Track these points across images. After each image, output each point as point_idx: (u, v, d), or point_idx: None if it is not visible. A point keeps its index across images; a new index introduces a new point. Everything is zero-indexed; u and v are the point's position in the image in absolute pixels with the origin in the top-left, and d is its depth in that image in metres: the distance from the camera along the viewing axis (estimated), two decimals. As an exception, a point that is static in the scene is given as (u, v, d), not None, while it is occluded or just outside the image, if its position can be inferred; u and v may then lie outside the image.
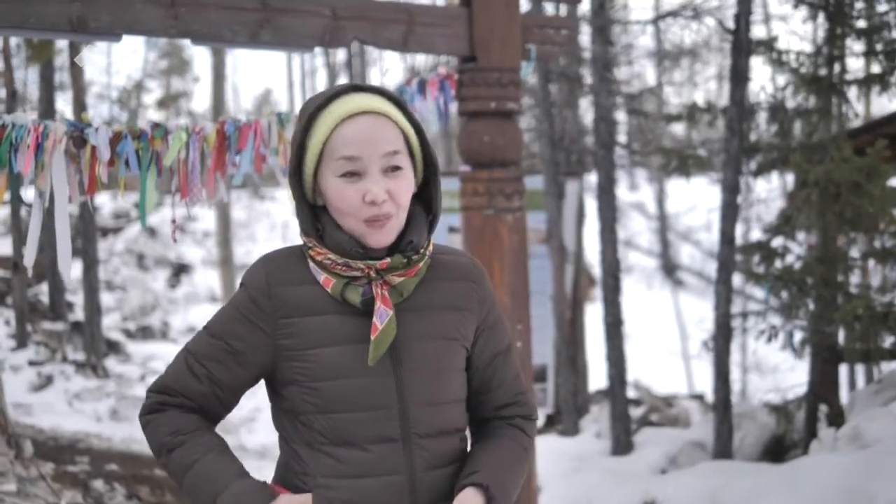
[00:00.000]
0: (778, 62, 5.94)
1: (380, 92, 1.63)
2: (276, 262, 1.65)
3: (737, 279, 6.62)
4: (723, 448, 5.95)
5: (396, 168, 1.59)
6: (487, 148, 3.70)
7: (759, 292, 8.82)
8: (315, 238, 1.62)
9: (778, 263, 5.86)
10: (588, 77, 9.13)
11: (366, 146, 1.57)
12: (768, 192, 11.61)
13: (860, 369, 8.23)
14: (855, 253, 5.85)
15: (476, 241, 3.74)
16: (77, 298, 13.59)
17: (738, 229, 6.63)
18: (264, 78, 56.69)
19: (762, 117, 6.33)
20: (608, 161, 7.10)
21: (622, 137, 10.90)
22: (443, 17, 3.74)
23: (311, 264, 1.63)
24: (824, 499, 3.97)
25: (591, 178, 10.90)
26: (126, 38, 3.03)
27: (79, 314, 12.77)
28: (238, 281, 1.69)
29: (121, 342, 13.87)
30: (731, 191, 6.04)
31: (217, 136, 3.13)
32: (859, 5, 5.77)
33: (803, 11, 5.98)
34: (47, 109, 10.70)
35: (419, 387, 1.62)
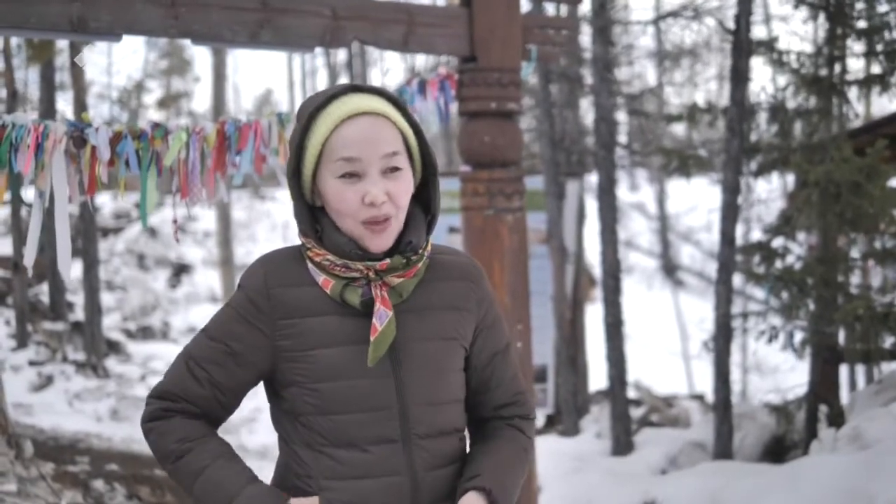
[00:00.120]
0: (778, 62, 5.94)
1: (379, 92, 1.62)
2: (275, 264, 1.65)
3: (737, 279, 6.62)
4: (723, 448, 5.95)
5: (396, 169, 1.59)
6: (488, 148, 3.70)
7: (759, 293, 8.82)
8: (314, 239, 1.61)
9: (778, 264, 5.86)
10: (588, 77, 9.13)
11: (365, 147, 1.56)
12: (769, 192, 11.61)
13: (860, 370, 8.23)
14: (855, 253, 5.86)
15: (476, 241, 3.74)
16: (77, 298, 13.59)
17: (739, 230, 6.63)
18: (265, 78, 56.79)
19: (762, 118, 6.33)
20: (609, 161, 7.10)
21: (623, 138, 10.90)
22: (443, 17, 3.74)
23: (310, 265, 1.63)
24: (824, 499, 3.97)
25: (592, 179, 10.90)
26: (126, 39, 3.03)
27: (79, 314, 12.77)
28: (238, 280, 1.68)
29: (121, 342, 13.88)
30: (731, 191, 6.04)
31: (217, 136, 3.13)
32: (860, 6, 5.77)
33: (804, 12, 5.98)
34: (48, 109, 10.70)
35: (419, 387, 1.62)
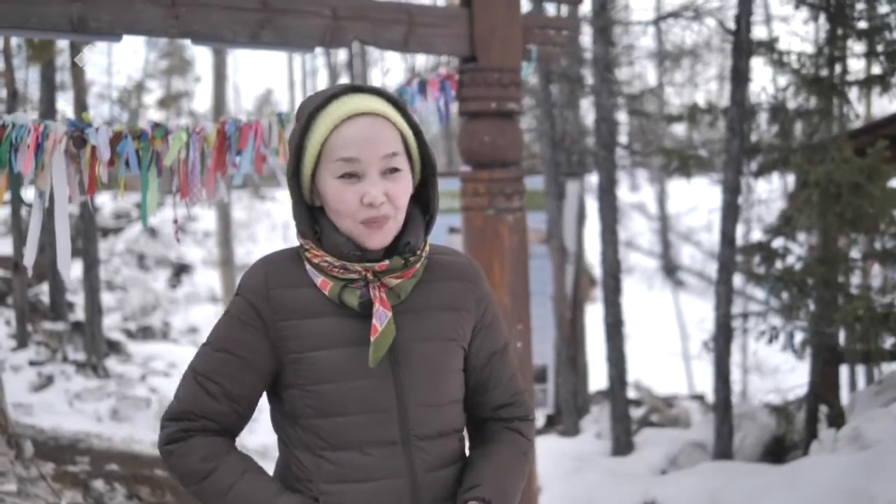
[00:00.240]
0: (779, 63, 5.93)
1: (378, 93, 1.62)
2: (274, 265, 1.64)
3: (737, 280, 6.62)
4: (723, 449, 5.95)
5: (395, 170, 1.58)
6: (488, 148, 3.70)
7: (759, 293, 8.82)
8: (312, 240, 1.61)
9: (778, 264, 5.86)
10: (589, 77, 9.13)
11: (364, 148, 1.56)
12: (769, 192, 11.62)
13: (861, 370, 8.24)
14: (855, 254, 5.85)
15: (476, 241, 3.74)
16: (78, 298, 13.59)
17: (739, 230, 6.63)
18: (265, 78, 56.77)
19: (763, 118, 6.33)
20: (609, 161, 7.10)
21: (623, 138, 10.91)
22: (443, 17, 3.73)
23: (308, 267, 1.62)
24: (825, 499, 3.97)
25: (592, 179, 10.91)
26: (127, 39, 3.03)
27: (79, 314, 12.77)
28: (238, 281, 1.68)
29: (121, 342, 13.87)
30: (731, 191, 6.04)
31: (217, 136, 3.13)
32: (860, 6, 5.77)
33: (804, 12, 5.98)
34: (48, 109, 10.70)
35: (418, 388, 1.62)
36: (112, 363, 12.14)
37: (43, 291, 13.53)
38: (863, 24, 5.76)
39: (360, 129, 1.56)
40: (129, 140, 2.90)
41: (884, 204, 5.12)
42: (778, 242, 5.99)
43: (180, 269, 18.98)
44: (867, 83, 5.86)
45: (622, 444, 6.82)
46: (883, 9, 5.71)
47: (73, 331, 12.11)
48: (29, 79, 13.60)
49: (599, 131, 7.28)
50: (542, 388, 8.30)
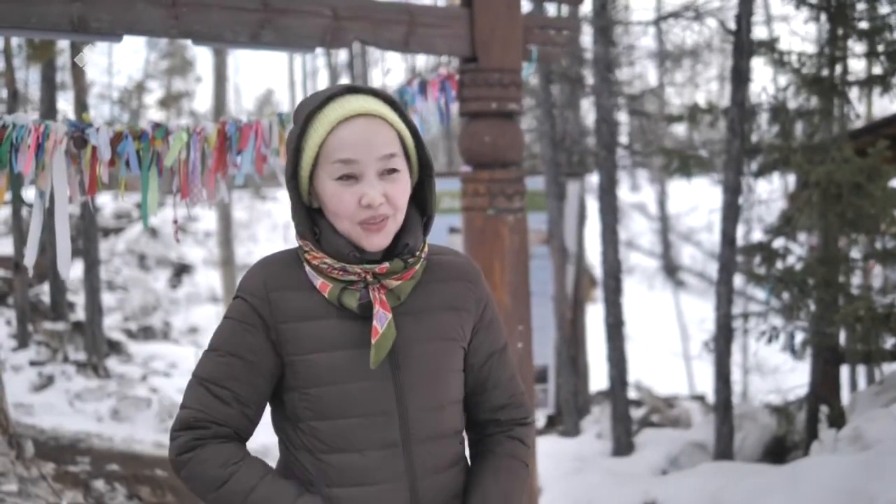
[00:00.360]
0: (779, 63, 5.93)
1: (375, 94, 1.62)
2: (273, 268, 1.64)
3: (738, 280, 6.62)
4: (724, 449, 5.95)
5: (393, 171, 1.58)
6: (488, 148, 3.70)
7: (760, 293, 8.81)
8: (312, 241, 1.61)
9: (779, 264, 5.86)
10: (589, 78, 9.13)
11: (362, 149, 1.56)
12: (769, 192, 11.58)
13: (861, 370, 8.24)
14: (856, 254, 5.85)
15: (477, 241, 3.74)
16: (78, 298, 13.59)
17: (740, 230, 6.62)
18: (266, 78, 56.81)
19: (763, 118, 6.33)
20: (609, 162, 7.09)
21: (623, 138, 10.90)
22: (444, 17, 3.73)
23: (308, 269, 1.62)
24: (825, 500, 3.97)
25: (593, 179, 10.91)
26: (127, 39, 3.03)
27: (80, 314, 12.76)
28: (238, 283, 1.67)
29: (122, 342, 13.87)
30: (732, 192, 6.03)
31: (218, 136, 3.13)
32: (861, 6, 5.77)
33: (805, 12, 5.98)
34: (48, 109, 10.69)
35: (418, 390, 1.62)
36: (113, 363, 12.14)
37: (44, 291, 13.54)
38: (863, 25, 5.76)
39: (357, 130, 1.56)
40: (130, 140, 2.90)
41: (884, 204, 5.11)
42: (778, 243, 5.99)
43: (181, 270, 18.98)
44: (868, 83, 5.86)
45: (623, 445, 6.82)
46: (884, 9, 5.71)
47: (74, 331, 12.11)
48: (29, 79, 13.60)
49: (600, 131, 7.28)
50: (543, 389, 8.30)
